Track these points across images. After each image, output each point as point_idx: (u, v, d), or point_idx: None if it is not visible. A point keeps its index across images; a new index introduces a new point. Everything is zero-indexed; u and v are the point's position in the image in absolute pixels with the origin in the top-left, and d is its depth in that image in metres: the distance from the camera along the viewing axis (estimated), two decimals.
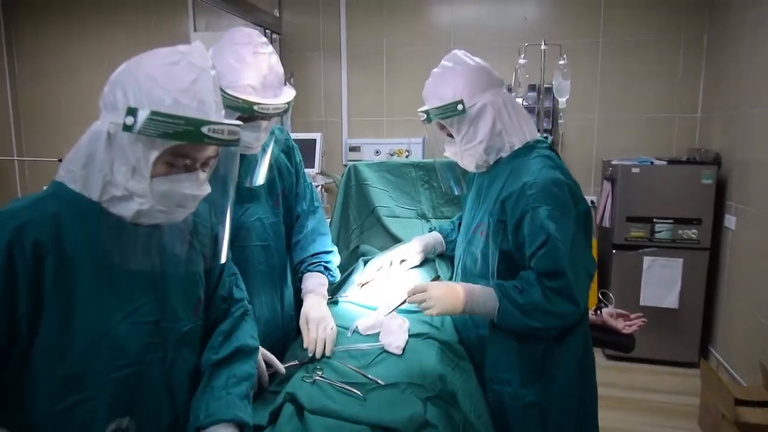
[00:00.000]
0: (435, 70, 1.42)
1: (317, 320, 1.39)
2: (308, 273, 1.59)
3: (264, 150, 1.44)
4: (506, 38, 3.90)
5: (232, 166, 0.99)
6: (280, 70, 1.36)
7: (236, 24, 3.99)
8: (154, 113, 0.82)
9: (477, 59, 1.41)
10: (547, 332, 1.33)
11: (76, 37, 4.70)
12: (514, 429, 1.37)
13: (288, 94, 1.36)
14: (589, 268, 1.33)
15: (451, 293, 1.31)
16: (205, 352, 1.09)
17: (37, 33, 4.80)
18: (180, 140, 0.84)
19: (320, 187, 4.11)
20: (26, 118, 4.95)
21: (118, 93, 0.86)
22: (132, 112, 0.82)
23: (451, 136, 1.42)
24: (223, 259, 1.06)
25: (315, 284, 1.55)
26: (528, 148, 1.38)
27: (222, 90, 1.17)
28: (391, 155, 4.22)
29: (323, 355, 1.31)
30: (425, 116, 1.42)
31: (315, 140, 4.03)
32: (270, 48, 1.34)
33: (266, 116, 1.32)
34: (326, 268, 1.61)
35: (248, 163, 1.43)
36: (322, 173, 4.26)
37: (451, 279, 1.63)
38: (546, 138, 1.46)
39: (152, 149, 0.84)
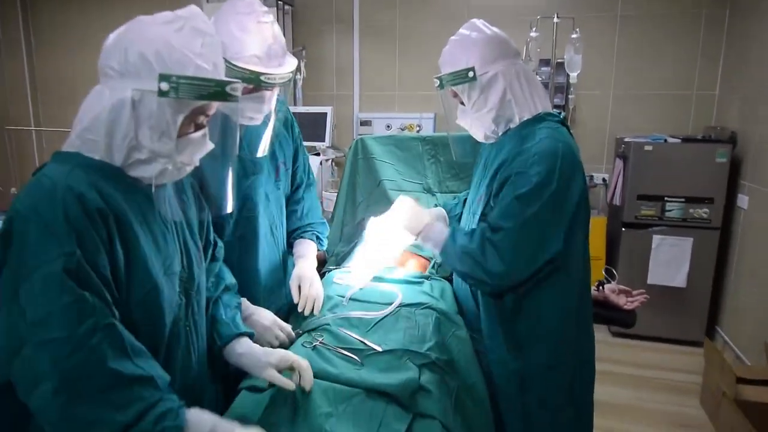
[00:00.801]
0: (452, 37, 1.43)
1: (309, 279, 1.49)
2: (300, 239, 1.66)
3: (266, 122, 1.44)
4: (522, 11, 3.82)
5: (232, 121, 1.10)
6: (283, 38, 1.36)
7: None
8: (189, 78, 0.89)
9: (495, 29, 1.41)
10: (476, 284, 1.41)
11: (91, 7, 4.72)
12: (500, 394, 1.40)
13: (291, 63, 1.35)
14: (543, 244, 1.29)
15: (417, 217, 1.47)
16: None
17: (53, 4, 4.82)
18: (212, 100, 0.92)
19: (330, 160, 4.12)
20: (43, 89, 5.02)
21: (135, 59, 0.89)
22: (166, 78, 0.87)
23: (462, 103, 1.42)
24: (229, 209, 1.17)
25: (307, 250, 1.63)
26: (537, 119, 1.38)
27: (227, 61, 1.19)
28: (402, 130, 4.21)
29: (312, 313, 1.42)
30: (438, 82, 1.44)
31: (326, 114, 4.03)
32: (271, 17, 1.33)
33: (272, 86, 1.31)
34: (318, 238, 1.69)
35: (251, 135, 1.45)
36: (332, 147, 4.27)
37: None
38: (560, 113, 1.45)
39: (180, 111, 0.91)
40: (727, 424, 2.32)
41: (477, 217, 1.43)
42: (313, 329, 1.34)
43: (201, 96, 0.90)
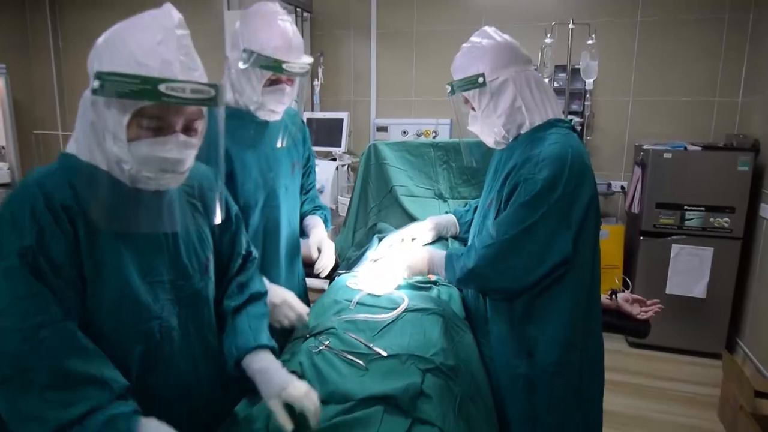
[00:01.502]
0: (464, 44, 1.45)
1: (329, 244, 1.73)
2: (311, 216, 1.85)
3: (283, 119, 1.63)
4: (538, 17, 3.80)
5: (216, 128, 0.97)
6: (300, 37, 1.51)
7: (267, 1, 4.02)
8: (110, 74, 0.83)
9: (506, 36, 1.43)
10: (496, 294, 1.43)
11: (117, 13, 4.82)
12: (506, 400, 1.40)
13: (307, 58, 1.50)
14: (550, 248, 1.29)
15: (419, 256, 1.55)
16: (224, 301, 1.19)
17: (81, 10, 4.96)
18: (136, 99, 0.85)
19: (347, 166, 4.14)
20: (70, 93, 5.16)
21: (94, 60, 0.89)
22: (99, 75, 0.84)
23: (473, 109, 1.43)
24: (217, 220, 1.07)
25: (319, 222, 1.81)
26: (547, 125, 1.38)
27: (254, 52, 1.40)
28: (418, 135, 4.21)
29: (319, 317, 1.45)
30: (450, 88, 1.46)
31: (342, 120, 4.06)
32: (289, 18, 1.50)
33: (292, 74, 1.46)
34: (325, 219, 1.86)
35: (273, 130, 1.62)
36: (348, 152, 4.30)
37: None
38: (570, 120, 1.46)
39: (123, 113, 0.86)
40: None
41: (489, 221, 1.43)
42: (320, 333, 1.35)
43: (122, 94, 0.83)
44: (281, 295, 1.40)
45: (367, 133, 4.46)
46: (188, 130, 0.94)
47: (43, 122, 5.14)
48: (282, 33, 1.43)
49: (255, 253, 1.30)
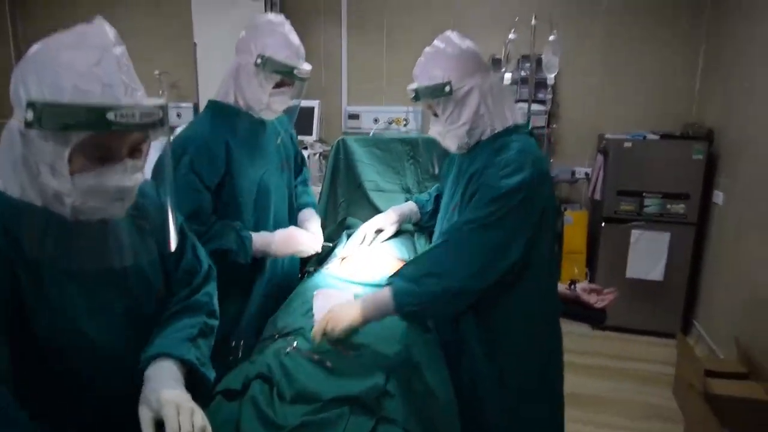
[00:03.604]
0: (426, 49, 1.45)
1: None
2: (308, 209, 1.98)
3: (274, 124, 1.81)
4: (507, 5, 3.85)
5: (164, 150, 0.93)
6: (302, 46, 1.68)
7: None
8: (48, 105, 0.76)
9: (468, 42, 1.44)
10: (454, 299, 1.34)
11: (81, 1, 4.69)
12: (479, 394, 1.47)
13: (308, 65, 1.69)
14: (505, 251, 1.31)
15: (345, 310, 1.33)
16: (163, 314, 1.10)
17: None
18: (83, 130, 0.78)
19: (318, 154, 4.15)
20: None
21: (20, 87, 0.79)
22: (31, 106, 0.76)
23: (436, 115, 1.47)
24: (172, 248, 0.99)
25: (313, 215, 1.96)
26: (508, 131, 1.43)
27: (269, 57, 1.57)
28: (390, 123, 4.24)
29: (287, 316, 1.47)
30: (414, 94, 1.47)
31: (313, 108, 4.06)
32: (293, 29, 1.67)
33: (300, 79, 1.67)
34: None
35: (267, 131, 1.77)
36: (320, 140, 4.30)
37: None
38: (528, 124, 1.51)
39: (63, 145, 0.79)
40: (695, 415, 2.41)
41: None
42: (288, 333, 1.40)
43: (67, 126, 0.76)
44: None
45: (339, 120, 4.46)
46: (134, 152, 0.88)
47: (4, 112, 4.98)
48: (291, 42, 1.62)
49: (205, 265, 1.21)
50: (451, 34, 1.46)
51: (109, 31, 0.84)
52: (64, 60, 0.79)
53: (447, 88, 1.38)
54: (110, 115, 0.77)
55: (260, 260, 1.75)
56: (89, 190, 0.84)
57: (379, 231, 1.86)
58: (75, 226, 0.88)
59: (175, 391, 0.91)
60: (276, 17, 1.66)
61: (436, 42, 1.46)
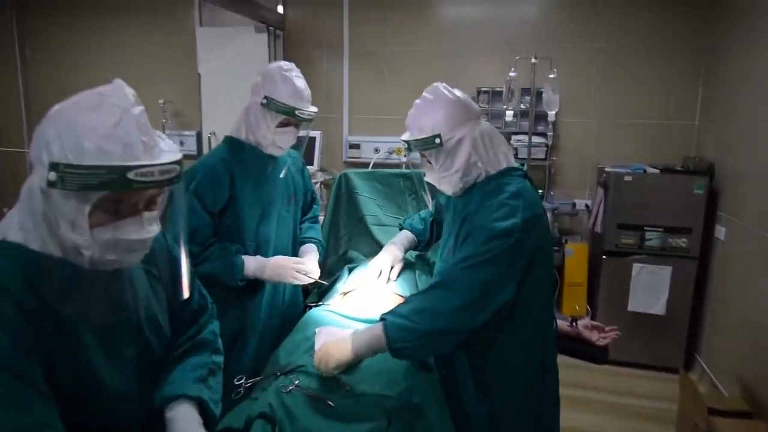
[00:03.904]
0: (416, 101, 1.49)
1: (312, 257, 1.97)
2: (310, 244, 2.05)
3: (283, 156, 1.94)
4: (507, 40, 3.93)
5: (180, 203, 0.95)
6: (309, 92, 1.84)
7: (241, 20, 4.05)
8: (71, 167, 0.79)
9: (456, 92, 1.47)
10: (445, 337, 1.35)
11: (85, 28, 4.78)
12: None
13: (313, 108, 1.85)
14: (497, 290, 1.32)
15: (337, 347, 1.36)
16: (171, 354, 1.13)
17: (48, 24, 4.88)
18: (105, 190, 0.81)
19: (320, 183, 4.18)
20: (37, 109, 5.05)
21: (41, 147, 0.82)
22: (54, 167, 0.79)
23: (430, 162, 1.49)
24: (185, 295, 1.04)
25: (312, 249, 2.02)
26: (501, 174, 1.45)
27: (272, 99, 1.74)
28: (390, 153, 4.28)
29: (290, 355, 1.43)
30: (406, 146, 1.50)
31: (315, 138, 4.11)
32: (302, 75, 1.84)
33: (302, 119, 1.82)
34: (320, 246, 2.08)
35: (274, 163, 1.90)
36: (321, 170, 4.34)
37: None
38: (523, 166, 1.53)
39: (85, 202, 0.82)
40: None
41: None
42: (290, 371, 1.39)
43: (90, 186, 0.80)
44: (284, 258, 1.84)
45: (340, 150, 4.51)
46: (150, 205, 0.92)
47: (10, 139, 5.02)
48: (295, 86, 1.78)
49: (209, 303, 1.26)
50: (440, 86, 1.48)
51: (128, 93, 0.88)
52: (85, 122, 0.82)
53: (437, 140, 1.41)
54: (131, 175, 0.81)
55: (258, 283, 1.85)
56: (107, 243, 0.87)
57: (380, 275, 1.86)
58: (93, 275, 0.91)
59: None
60: (286, 64, 1.83)
61: (425, 94, 1.49)
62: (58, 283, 0.87)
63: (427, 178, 1.54)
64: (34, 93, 5.02)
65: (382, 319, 1.36)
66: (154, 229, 0.92)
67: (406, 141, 1.49)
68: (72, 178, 0.79)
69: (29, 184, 0.87)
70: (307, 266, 1.85)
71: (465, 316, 1.32)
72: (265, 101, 1.75)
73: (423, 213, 1.97)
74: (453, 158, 1.43)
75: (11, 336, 0.81)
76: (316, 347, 1.45)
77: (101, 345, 0.95)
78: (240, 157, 1.81)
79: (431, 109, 1.43)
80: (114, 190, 0.82)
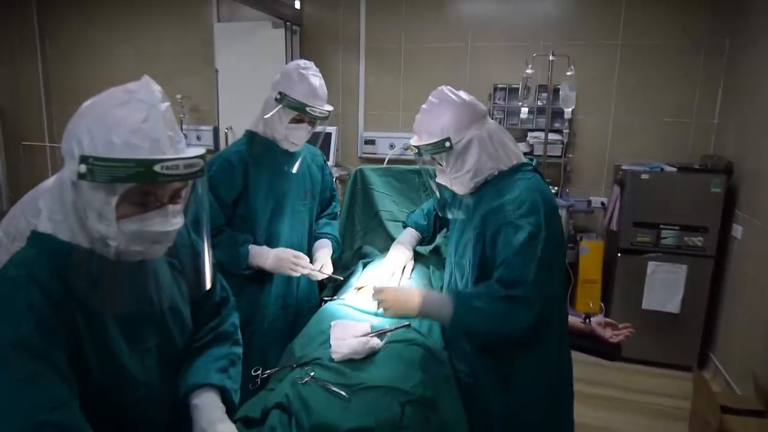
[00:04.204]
0: (423, 106, 1.51)
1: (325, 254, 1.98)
2: (325, 239, 2.06)
3: (299, 151, 1.95)
4: (524, 36, 3.92)
5: (203, 197, 0.99)
6: (326, 90, 1.87)
7: (258, 15, 4.09)
8: (100, 159, 0.83)
9: (462, 94, 1.49)
10: (502, 339, 1.42)
11: (104, 23, 4.87)
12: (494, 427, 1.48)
13: (329, 106, 1.88)
14: (548, 292, 1.40)
15: (408, 298, 1.44)
16: (193, 345, 1.18)
17: (67, 19, 4.98)
18: (133, 182, 0.85)
19: (335, 178, 4.22)
20: (57, 102, 5.16)
21: (73, 141, 0.86)
22: (84, 160, 0.83)
23: (440, 164, 1.51)
24: (208, 285, 1.06)
25: (326, 245, 2.03)
26: (513, 170, 1.48)
27: (285, 95, 1.78)
28: (405, 149, 4.30)
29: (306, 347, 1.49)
30: (416, 151, 1.52)
31: (330, 133, 4.14)
32: (319, 74, 1.87)
33: (315, 117, 1.84)
34: (336, 245, 2.09)
35: (292, 160, 1.94)
36: (337, 165, 4.37)
37: (442, 290, 1.75)
38: (531, 160, 1.55)
39: (112, 194, 0.86)
40: None
41: (469, 262, 1.51)
42: (306, 363, 1.42)
43: (118, 179, 0.84)
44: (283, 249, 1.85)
45: (355, 146, 4.53)
46: (174, 198, 0.94)
47: (30, 132, 5.12)
48: (310, 84, 1.81)
49: (228, 295, 1.31)
50: (445, 89, 1.51)
51: (155, 89, 0.91)
52: (114, 117, 0.86)
53: (447, 144, 1.44)
54: (157, 168, 0.85)
55: (267, 274, 1.89)
56: (133, 234, 0.90)
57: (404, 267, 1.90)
58: (118, 266, 0.94)
59: (228, 425, 1.05)
60: (304, 63, 1.86)
61: (431, 98, 1.51)
62: (85, 273, 0.91)
63: (438, 180, 1.56)
64: (54, 87, 5.12)
65: (455, 300, 1.40)
66: (177, 222, 0.95)
67: (416, 146, 1.51)
68: (101, 170, 0.83)
69: (60, 176, 0.91)
70: (303, 260, 1.85)
71: (526, 326, 1.36)
72: (278, 97, 1.80)
73: (426, 206, 2.00)
74: (464, 160, 1.46)
75: (36, 320, 0.84)
76: (332, 341, 1.49)
77: (125, 334, 0.98)
78: (256, 150, 1.88)
79: (439, 113, 1.46)
80: (141, 182, 0.86)
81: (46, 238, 0.92)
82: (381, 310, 1.47)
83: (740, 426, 2.33)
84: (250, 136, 1.92)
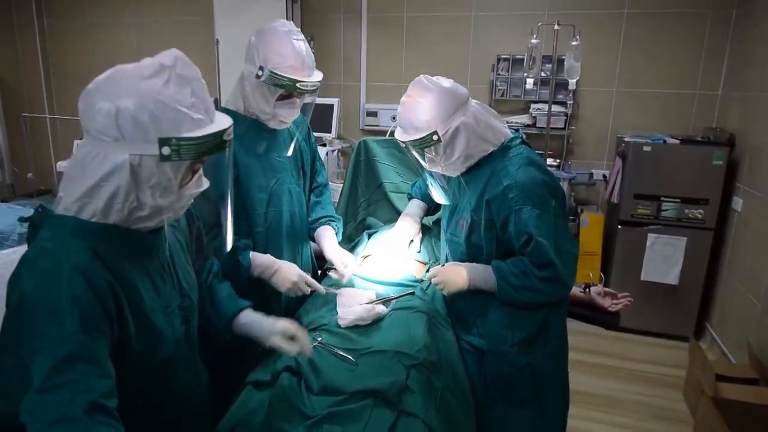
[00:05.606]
0: (403, 98, 1.50)
1: (352, 259, 1.78)
2: (326, 226, 1.88)
3: (289, 129, 1.74)
4: (528, 5, 3.86)
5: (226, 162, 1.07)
6: (312, 54, 1.58)
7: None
8: (183, 139, 0.89)
9: (441, 81, 1.47)
10: (539, 304, 1.52)
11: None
12: (510, 389, 1.55)
13: (318, 74, 1.59)
14: (573, 251, 1.49)
15: (457, 274, 1.52)
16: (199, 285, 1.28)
17: None
18: (213, 153, 0.95)
19: (337, 151, 4.22)
20: (56, 75, 5.12)
21: (127, 123, 0.87)
22: (165, 142, 0.88)
23: (430, 155, 1.53)
24: (228, 247, 1.20)
25: (330, 233, 1.86)
26: (504, 148, 1.51)
27: (271, 71, 1.49)
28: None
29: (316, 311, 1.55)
30: (404, 145, 1.52)
31: (332, 105, 4.12)
32: (302, 36, 1.58)
33: (305, 92, 1.56)
34: (337, 231, 1.91)
35: (279, 138, 1.72)
36: (339, 137, 4.37)
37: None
38: (517, 131, 1.57)
39: (181, 166, 0.94)
40: (705, 419, 2.43)
41: (460, 239, 1.57)
42: (315, 329, 1.47)
43: (203, 153, 0.93)
44: (296, 273, 1.62)
45: (357, 118, 4.52)
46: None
47: (31, 104, 5.11)
48: (296, 53, 1.51)
49: (216, 263, 1.40)
50: (424, 78, 1.49)
51: (190, 62, 0.97)
52: (169, 96, 0.90)
53: (435, 137, 1.44)
54: (225, 136, 0.96)
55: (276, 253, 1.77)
56: (189, 197, 1.01)
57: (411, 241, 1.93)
58: (137, 235, 1.00)
59: (283, 320, 1.26)
60: (282, 25, 1.55)
61: (411, 91, 1.49)
62: (117, 248, 0.95)
63: (430, 168, 1.57)
64: (54, 61, 5.08)
65: (496, 275, 1.48)
66: (206, 183, 1.05)
67: (403, 142, 1.50)
68: (187, 149, 0.90)
69: (116, 162, 0.89)
70: (315, 284, 1.63)
71: (562, 295, 1.53)
72: (260, 73, 1.50)
73: (419, 182, 2.01)
74: (453, 147, 1.47)
75: (80, 315, 0.84)
76: (339, 308, 1.53)
77: (155, 300, 1.03)
78: (237, 132, 1.52)
79: (422, 105, 1.45)
80: (217, 152, 0.96)
81: (70, 220, 0.92)
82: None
83: (734, 393, 2.40)
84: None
